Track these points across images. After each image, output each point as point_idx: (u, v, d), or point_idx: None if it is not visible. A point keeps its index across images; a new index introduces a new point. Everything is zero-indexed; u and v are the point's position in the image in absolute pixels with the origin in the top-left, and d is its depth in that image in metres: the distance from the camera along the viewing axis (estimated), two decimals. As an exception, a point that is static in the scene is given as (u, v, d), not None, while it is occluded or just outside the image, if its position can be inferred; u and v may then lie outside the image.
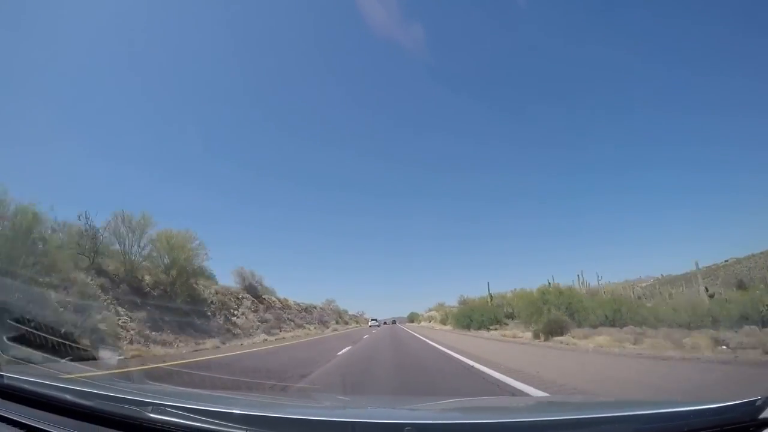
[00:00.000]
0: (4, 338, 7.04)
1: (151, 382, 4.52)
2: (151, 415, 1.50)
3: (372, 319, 77.03)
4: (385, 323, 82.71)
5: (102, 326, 11.99)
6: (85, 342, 10.22)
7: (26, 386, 1.74)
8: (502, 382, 5.95)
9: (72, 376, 4.64)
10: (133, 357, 10.41)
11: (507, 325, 23.09)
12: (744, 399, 1.39)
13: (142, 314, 15.40)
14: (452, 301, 51.76)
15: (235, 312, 24.07)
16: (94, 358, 7.85)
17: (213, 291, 23.20)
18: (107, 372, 5.75)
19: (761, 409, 1.35)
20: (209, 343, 16.22)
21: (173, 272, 18.87)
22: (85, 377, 4.83)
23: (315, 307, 47.64)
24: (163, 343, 14.35)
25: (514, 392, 5.11)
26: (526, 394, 4.89)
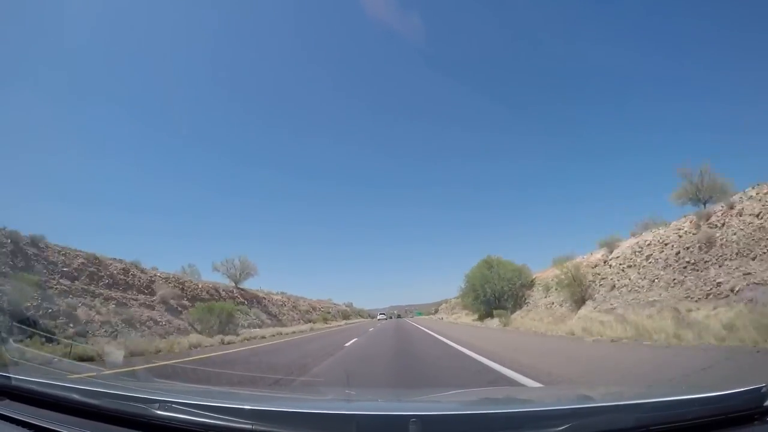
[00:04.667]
0: (11, 340, 7.08)
1: (157, 380, 4.54)
2: (158, 412, 1.50)
3: (380, 314, 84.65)
4: (390, 317, 79.69)
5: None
6: (92, 340, 10.28)
7: (33, 387, 1.75)
8: None
9: (79, 375, 4.67)
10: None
11: None
12: (748, 386, 1.38)
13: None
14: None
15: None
16: (101, 357, 7.89)
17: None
18: (113, 371, 5.78)
19: (766, 396, 1.33)
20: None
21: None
22: (91, 376, 4.85)
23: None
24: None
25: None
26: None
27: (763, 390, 1.34)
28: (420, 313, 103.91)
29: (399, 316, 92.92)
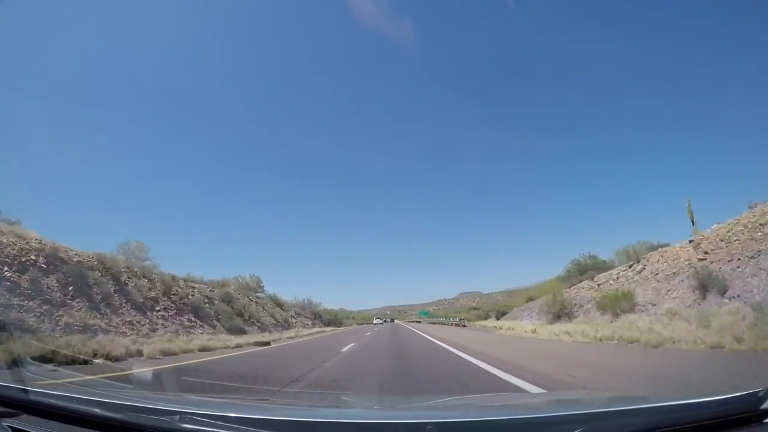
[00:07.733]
0: (28, 357, 7.11)
1: (169, 392, 4.50)
2: (182, 425, 1.47)
3: (376, 318, 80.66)
4: (384, 321, 69.83)
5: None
6: (106, 354, 10.31)
7: (53, 401, 1.72)
8: None
9: (92, 387, 4.62)
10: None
11: None
12: (747, 390, 1.47)
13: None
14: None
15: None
16: (120, 370, 7.89)
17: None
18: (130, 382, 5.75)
19: (763, 400, 1.43)
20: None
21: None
22: (109, 384, 4.80)
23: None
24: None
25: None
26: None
27: (761, 394, 1.44)
28: (426, 313, 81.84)
29: (393, 320, 77.29)
